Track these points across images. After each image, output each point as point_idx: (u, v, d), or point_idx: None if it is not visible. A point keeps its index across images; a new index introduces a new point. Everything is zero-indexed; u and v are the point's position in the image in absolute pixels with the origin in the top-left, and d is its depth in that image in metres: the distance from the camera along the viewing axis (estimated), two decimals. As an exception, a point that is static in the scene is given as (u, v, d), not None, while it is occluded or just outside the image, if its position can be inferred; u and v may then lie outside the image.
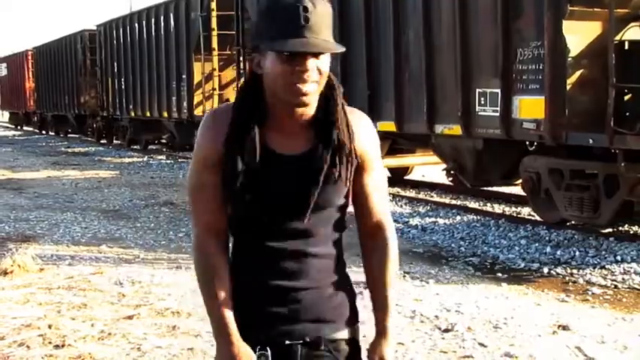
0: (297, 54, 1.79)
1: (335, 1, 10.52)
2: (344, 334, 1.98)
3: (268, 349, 1.90)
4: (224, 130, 1.88)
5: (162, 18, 18.63)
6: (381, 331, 2.03)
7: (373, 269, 2.04)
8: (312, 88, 1.82)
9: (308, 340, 1.93)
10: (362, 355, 2.06)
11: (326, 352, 1.94)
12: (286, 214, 1.90)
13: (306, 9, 1.75)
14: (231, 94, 16.20)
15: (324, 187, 1.89)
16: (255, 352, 1.90)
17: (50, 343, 4.84)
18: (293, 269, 1.92)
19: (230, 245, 2.00)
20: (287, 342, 1.92)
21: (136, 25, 20.38)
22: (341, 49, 1.83)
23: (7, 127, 40.60)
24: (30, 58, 33.04)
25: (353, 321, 2.02)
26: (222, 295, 1.91)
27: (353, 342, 2.02)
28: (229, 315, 1.91)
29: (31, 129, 35.47)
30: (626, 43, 7.51)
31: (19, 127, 38.17)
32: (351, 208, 2.06)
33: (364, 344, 2.09)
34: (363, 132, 1.96)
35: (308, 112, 1.89)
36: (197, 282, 1.97)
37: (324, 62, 1.83)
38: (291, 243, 1.91)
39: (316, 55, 1.80)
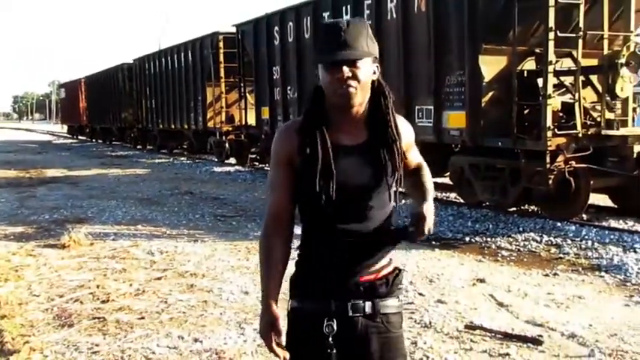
0: (334, 64, 1.68)
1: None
2: (393, 307, 1.80)
3: (334, 320, 1.72)
4: (295, 136, 1.74)
5: (182, 54, 18.52)
6: (422, 200, 1.88)
7: (418, 181, 1.94)
8: (350, 91, 1.68)
9: (367, 313, 1.75)
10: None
11: (380, 324, 1.76)
12: (354, 194, 1.73)
13: (341, 29, 1.68)
14: (235, 111, 16.15)
15: (380, 170, 1.75)
16: (323, 323, 1.72)
17: (98, 299, 4.81)
18: (355, 248, 1.74)
19: (299, 233, 1.81)
20: (350, 314, 1.74)
21: (163, 59, 20.22)
22: (366, 56, 1.69)
23: (66, 137, 40.01)
24: (82, 84, 32.56)
25: (398, 295, 1.84)
26: (272, 271, 1.75)
27: (399, 315, 1.83)
28: (274, 289, 1.75)
29: (84, 138, 34.99)
30: (525, 72, 7.59)
31: (74, 137, 37.67)
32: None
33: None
34: (405, 131, 1.85)
35: (358, 114, 1.75)
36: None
37: (360, 70, 1.69)
38: (355, 225, 1.74)
39: (351, 64, 1.67)
